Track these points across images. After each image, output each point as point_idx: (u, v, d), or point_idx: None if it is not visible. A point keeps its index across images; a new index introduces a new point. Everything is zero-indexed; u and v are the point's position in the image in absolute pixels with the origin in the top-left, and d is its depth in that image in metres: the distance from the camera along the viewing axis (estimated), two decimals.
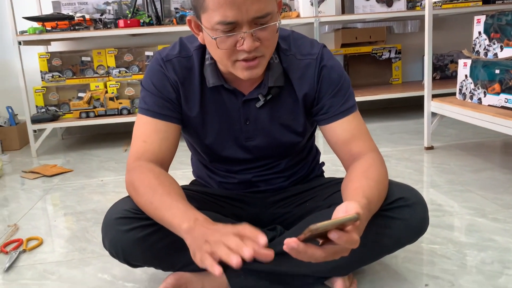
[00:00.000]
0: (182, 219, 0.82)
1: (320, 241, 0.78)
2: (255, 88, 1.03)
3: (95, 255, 1.35)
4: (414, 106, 3.30)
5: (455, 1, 2.87)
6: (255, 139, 1.07)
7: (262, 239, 0.72)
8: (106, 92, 2.87)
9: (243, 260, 0.69)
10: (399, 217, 0.96)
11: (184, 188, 1.16)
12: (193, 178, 1.29)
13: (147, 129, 1.01)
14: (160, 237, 0.96)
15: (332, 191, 1.09)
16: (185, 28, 2.69)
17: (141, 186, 0.93)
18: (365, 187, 0.88)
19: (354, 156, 1.00)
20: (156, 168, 0.97)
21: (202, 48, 1.02)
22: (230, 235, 0.74)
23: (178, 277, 1.00)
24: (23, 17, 2.71)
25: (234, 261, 0.70)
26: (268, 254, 0.71)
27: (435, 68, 3.48)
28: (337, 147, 1.03)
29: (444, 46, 3.47)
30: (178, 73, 1.01)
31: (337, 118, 1.02)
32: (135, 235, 0.95)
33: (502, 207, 1.51)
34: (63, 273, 1.26)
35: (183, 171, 2.16)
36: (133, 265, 1.03)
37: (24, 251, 1.41)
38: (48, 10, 3.07)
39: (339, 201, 0.89)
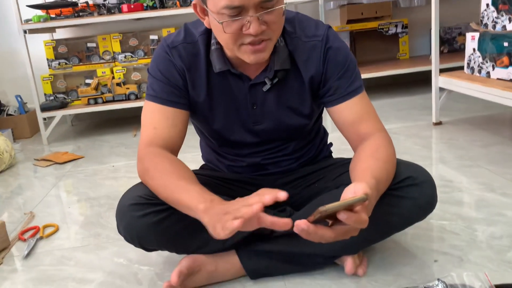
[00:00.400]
0: (199, 200, 0.84)
1: (330, 222, 0.80)
2: (261, 72, 1.03)
3: (110, 240, 1.38)
4: (422, 81, 3.27)
5: None
6: (262, 123, 1.08)
7: (282, 193, 0.76)
8: (113, 77, 2.88)
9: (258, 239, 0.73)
10: (407, 196, 0.97)
11: (194, 172, 1.18)
12: (203, 163, 1.31)
13: (156, 116, 1.02)
14: (174, 222, 0.98)
15: (341, 172, 1.10)
16: (189, 10, 2.67)
17: (156, 172, 0.95)
18: (373, 167, 0.89)
19: (362, 136, 1.01)
20: (168, 154, 0.99)
21: (208, 33, 1.02)
22: (249, 198, 0.78)
23: (192, 259, 1.03)
24: (27, 5, 2.72)
25: (255, 207, 0.74)
26: (286, 223, 0.76)
27: (443, 41, 3.43)
28: (345, 128, 1.04)
29: (452, 19, 3.41)
30: (184, 59, 1.02)
31: (344, 100, 1.02)
32: (149, 220, 0.97)
33: (511, 181, 1.51)
34: (80, 259, 1.29)
35: (192, 154, 2.17)
36: (148, 249, 1.06)
37: (41, 238, 1.45)
38: None
39: (348, 181, 0.90)
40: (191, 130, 1.14)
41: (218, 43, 1.00)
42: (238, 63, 1.01)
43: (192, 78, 1.03)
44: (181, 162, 0.99)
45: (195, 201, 0.85)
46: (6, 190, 2.01)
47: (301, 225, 0.74)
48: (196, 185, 0.90)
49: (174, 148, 1.02)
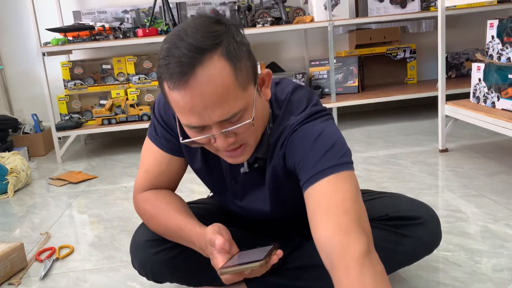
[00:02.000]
0: (194, 240, 0.93)
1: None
2: None
3: (123, 263, 1.43)
4: (429, 105, 3.31)
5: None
6: (241, 200, 1.05)
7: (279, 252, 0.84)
8: (127, 99, 2.97)
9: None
10: (412, 235, 1.00)
11: (204, 202, 1.23)
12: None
13: (151, 159, 1.03)
14: (186, 258, 1.03)
15: None
16: None
17: (146, 218, 1.02)
18: None
19: (321, 246, 0.76)
20: (152, 195, 1.02)
21: None
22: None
23: None
24: (46, 29, 2.82)
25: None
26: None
27: (451, 66, 3.49)
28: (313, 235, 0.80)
29: (460, 44, 3.47)
30: None
31: (306, 186, 0.82)
32: (163, 257, 1.03)
33: None
34: (94, 281, 1.34)
35: None
36: (161, 282, 1.11)
37: (57, 259, 1.51)
38: (69, 19, 3.18)
39: None
40: None
41: None
42: None
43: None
44: (168, 195, 1.02)
45: (193, 242, 0.93)
46: (22, 209, 2.08)
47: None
48: (187, 222, 0.95)
49: (167, 189, 1.06)
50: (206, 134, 0.80)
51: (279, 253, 0.82)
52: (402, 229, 0.99)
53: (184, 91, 0.75)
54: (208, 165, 1.02)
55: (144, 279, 1.29)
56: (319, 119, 0.89)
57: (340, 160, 0.82)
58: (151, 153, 1.04)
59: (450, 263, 1.26)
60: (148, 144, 1.06)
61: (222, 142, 0.80)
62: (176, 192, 1.10)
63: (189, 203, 1.16)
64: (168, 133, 1.01)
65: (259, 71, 0.85)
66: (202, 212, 1.14)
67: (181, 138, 0.85)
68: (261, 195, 1.00)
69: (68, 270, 1.43)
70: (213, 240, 0.83)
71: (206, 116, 0.77)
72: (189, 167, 1.09)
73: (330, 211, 0.77)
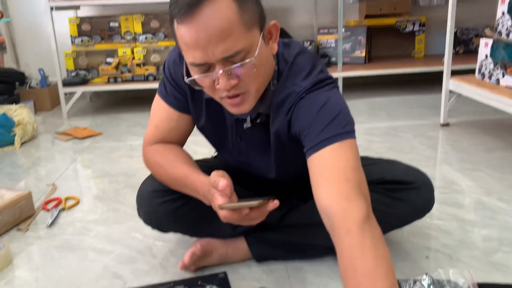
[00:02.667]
0: (197, 189, 0.96)
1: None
2: None
3: (127, 216, 1.49)
4: (435, 80, 3.31)
5: None
6: (246, 155, 1.08)
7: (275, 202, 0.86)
8: (133, 58, 2.97)
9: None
10: (406, 199, 1.05)
11: (207, 161, 1.27)
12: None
13: (161, 115, 1.07)
14: (190, 209, 1.08)
15: None
16: None
17: (154, 167, 1.06)
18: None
19: (324, 210, 0.81)
20: (161, 147, 1.06)
21: None
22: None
23: (206, 242, 1.13)
24: None
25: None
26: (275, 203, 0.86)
27: (459, 42, 3.47)
28: (314, 195, 0.85)
29: (470, 20, 3.43)
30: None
31: (310, 153, 0.85)
32: (167, 207, 1.07)
33: (508, 187, 1.58)
34: (99, 231, 1.40)
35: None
36: (164, 231, 1.16)
37: (63, 209, 1.56)
38: None
39: None
40: None
41: None
42: None
43: (193, 91, 1.01)
44: (176, 149, 1.06)
45: (197, 190, 0.96)
46: (28, 161, 2.13)
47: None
48: (192, 171, 0.99)
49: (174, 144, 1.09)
50: (210, 73, 0.83)
51: (276, 202, 0.85)
52: (396, 193, 1.04)
53: (190, 25, 0.78)
54: (213, 122, 1.05)
55: (147, 231, 1.35)
56: (325, 87, 0.91)
57: (343, 129, 0.85)
58: (161, 110, 1.07)
59: (442, 231, 1.31)
60: (158, 101, 1.09)
61: (224, 83, 0.82)
62: None
63: None
64: (177, 91, 1.04)
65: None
66: (205, 169, 1.17)
67: (186, 78, 0.88)
68: (265, 153, 1.03)
69: (74, 220, 1.49)
70: (217, 182, 0.85)
71: (210, 51, 0.79)
72: (195, 129, 1.13)
73: (333, 178, 0.81)
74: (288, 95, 0.92)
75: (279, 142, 0.98)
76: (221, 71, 0.81)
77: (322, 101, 0.88)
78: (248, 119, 0.99)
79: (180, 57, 1.00)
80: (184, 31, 0.80)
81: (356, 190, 0.80)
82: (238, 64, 0.81)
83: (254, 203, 0.81)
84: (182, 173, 0.99)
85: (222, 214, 0.87)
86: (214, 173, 0.89)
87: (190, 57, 0.82)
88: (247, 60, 0.82)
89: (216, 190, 0.88)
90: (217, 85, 0.84)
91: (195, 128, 1.12)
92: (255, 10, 0.83)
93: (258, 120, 0.99)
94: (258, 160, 1.07)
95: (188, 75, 0.89)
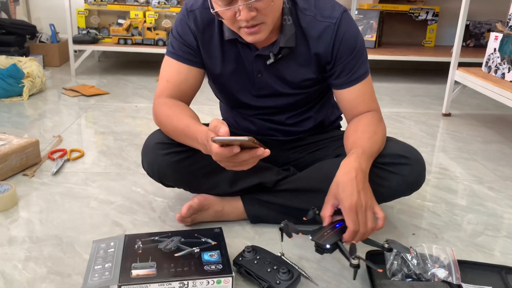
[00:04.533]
0: (197, 136, 0.98)
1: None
2: (268, 45, 1.11)
3: (130, 172, 1.54)
4: (442, 71, 3.33)
5: None
6: (266, 90, 1.17)
7: (266, 152, 0.90)
8: (145, 21, 2.98)
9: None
10: (398, 172, 1.10)
11: None
12: (219, 114, 1.43)
13: (171, 70, 1.14)
14: (191, 162, 1.13)
15: (341, 144, 1.22)
16: None
17: (162, 118, 1.11)
18: (358, 139, 1.05)
19: (355, 116, 1.14)
20: (171, 101, 1.12)
21: None
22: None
23: (203, 198, 1.18)
24: None
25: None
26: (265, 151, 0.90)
27: (471, 35, 3.46)
28: (343, 108, 1.17)
29: (484, 14, 3.42)
30: (198, 23, 1.11)
31: (347, 86, 1.12)
32: (170, 158, 1.12)
33: (500, 177, 1.63)
34: (102, 183, 1.45)
35: (210, 107, 2.31)
36: (166, 184, 1.21)
37: (68, 160, 1.61)
38: None
39: (345, 153, 1.07)
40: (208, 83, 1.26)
41: None
42: None
43: (205, 41, 1.12)
44: (183, 105, 1.12)
45: (197, 138, 0.98)
46: (35, 112, 2.17)
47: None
48: (194, 122, 1.02)
49: (184, 100, 1.15)
50: (233, 5, 0.94)
51: (267, 150, 0.90)
52: (390, 167, 1.08)
53: None
54: (231, 65, 1.14)
55: (148, 185, 1.41)
56: (347, 15, 1.10)
57: (367, 67, 1.14)
58: (170, 66, 1.14)
59: (431, 212, 1.36)
60: (166, 60, 1.15)
61: (245, 14, 0.95)
62: None
63: None
64: (185, 46, 1.12)
65: None
66: None
67: (212, 10, 0.98)
68: (284, 83, 1.16)
69: (78, 170, 1.54)
70: (218, 128, 0.89)
71: None
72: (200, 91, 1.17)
73: (364, 103, 1.14)
74: (326, 28, 1.08)
75: (316, 63, 1.13)
76: (243, 4, 0.93)
77: (356, 40, 1.10)
78: (271, 55, 1.10)
79: (188, 12, 1.11)
80: None
81: (378, 105, 1.17)
82: None
83: (244, 138, 0.85)
84: (185, 124, 1.04)
85: (214, 149, 0.88)
86: (214, 119, 0.92)
87: None
88: None
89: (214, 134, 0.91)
90: (238, 16, 0.96)
91: (199, 99, 1.16)
92: None
93: (280, 55, 1.10)
94: (277, 90, 1.17)
95: (213, 8, 1.00)
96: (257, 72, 1.14)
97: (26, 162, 1.51)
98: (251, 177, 1.19)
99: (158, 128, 1.17)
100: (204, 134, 0.95)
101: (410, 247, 1.03)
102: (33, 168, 1.52)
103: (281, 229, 0.97)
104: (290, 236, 0.97)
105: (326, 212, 0.97)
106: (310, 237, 0.95)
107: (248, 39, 1.01)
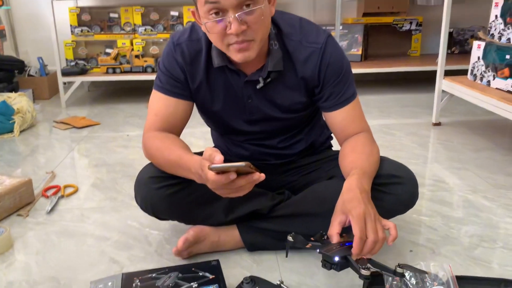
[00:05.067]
0: (190, 166, 0.99)
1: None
2: (256, 70, 1.12)
3: (124, 205, 1.54)
4: (429, 79, 3.36)
5: None
6: (257, 114, 1.18)
7: (262, 176, 0.91)
8: (132, 49, 3.00)
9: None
10: (391, 192, 1.11)
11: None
12: (210, 138, 1.44)
13: (159, 104, 1.15)
14: (185, 195, 1.13)
15: (334, 165, 1.24)
16: None
17: (152, 151, 1.12)
18: (357, 159, 1.07)
19: (348, 136, 1.16)
20: (160, 134, 1.13)
21: None
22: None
23: (199, 229, 1.18)
24: None
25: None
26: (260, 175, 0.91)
27: (455, 42, 3.52)
28: (334, 130, 1.18)
29: (466, 20, 3.48)
30: (186, 56, 1.12)
31: (336, 108, 1.14)
32: (163, 192, 1.12)
33: (493, 186, 1.64)
34: (97, 218, 1.45)
35: (201, 130, 2.31)
36: (160, 218, 1.21)
37: (62, 196, 1.61)
38: None
39: (340, 173, 1.10)
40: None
41: None
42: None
43: (193, 71, 1.13)
44: (173, 136, 1.13)
45: (190, 168, 0.99)
46: (27, 148, 2.17)
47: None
48: (187, 153, 1.03)
49: (173, 132, 1.16)
50: (224, 17, 0.96)
51: (262, 175, 0.91)
52: (383, 187, 1.09)
53: None
54: (212, 89, 1.16)
55: (143, 219, 1.41)
56: (332, 39, 1.13)
57: (355, 89, 1.16)
58: (158, 100, 1.15)
59: (427, 227, 1.37)
60: (154, 94, 1.17)
61: (236, 26, 0.96)
62: None
63: None
64: (172, 79, 1.13)
65: None
66: None
67: (204, 22, 1.00)
68: (274, 106, 1.17)
69: (73, 207, 1.54)
70: (213, 156, 0.89)
71: None
72: (191, 119, 1.18)
73: (355, 124, 1.16)
74: (312, 53, 1.10)
75: (304, 87, 1.15)
76: (234, 16, 0.95)
77: (342, 63, 1.12)
78: (261, 80, 1.12)
79: (175, 46, 1.12)
80: None
81: (368, 126, 1.19)
82: (249, 9, 0.96)
83: (241, 163, 0.86)
84: (177, 155, 1.04)
85: (211, 177, 0.89)
86: (208, 148, 0.93)
87: None
88: (258, 7, 0.97)
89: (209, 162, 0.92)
90: (228, 30, 0.97)
91: (190, 122, 1.18)
92: None
93: (269, 79, 1.12)
94: (266, 112, 1.18)
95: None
96: (247, 97, 1.16)
97: (20, 202, 1.50)
98: (246, 204, 1.19)
99: (150, 162, 1.18)
100: (198, 163, 0.96)
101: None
102: (27, 207, 1.51)
103: (287, 244, 0.97)
104: (288, 253, 0.98)
105: (334, 230, 0.95)
106: (318, 250, 0.95)
107: (238, 56, 1.02)
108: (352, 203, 0.95)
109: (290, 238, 0.99)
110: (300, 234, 1.05)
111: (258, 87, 1.13)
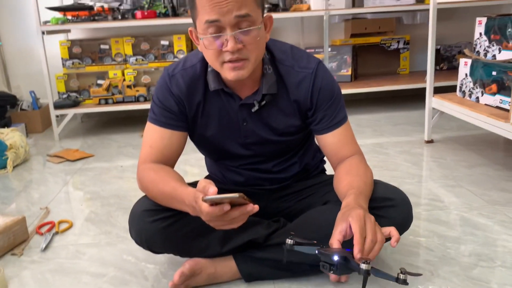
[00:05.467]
0: (184, 198, 0.99)
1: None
2: (251, 94, 1.15)
3: (119, 239, 1.53)
4: (419, 96, 3.38)
5: None
6: (252, 137, 1.20)
7: (255, 207, 0.92)
8: (124, 80, 3.02)
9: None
10: (385, 215, 1.11)
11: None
12: (205, 166, 1.44)
13: (153, 136, 1.17)
14: (179, 227, 1.13)
15: (329, 190, 1.24)
16: None
17: (147, 183, 1.12)
18: (352, 181, 1.09)
19: (341, 159, 1.18)
20: (155, 166, 1.14)
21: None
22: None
23: (194, 262, 1.17)
24: (46, 7, 2.85)
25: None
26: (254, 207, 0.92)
27: (443, 58, 3.56)
28: (327, 152, 1.21)
29: (453, 37, 3.54)
30: (181, 85, 1.15)
31: (328, 131, 1.17)
32: (157, 225, 1.12)
33: (488, 203, 1.65)
34: (92, 254, 1.44)
35: (196, 158, 2.31)
36: (155, 252, 1.20)
37: (57, 233, 1.59)
38: None
39: (334, 198, 1.13)
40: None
41: None
42: (231, 84, 1.14)
43: (190, 98, 1.16)
44: (168, 168, 1.14)
45: (184, 200, 1.00)
46: (21, 184, 2.15)
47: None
48: (181, 185, 1.04)
49: (168, 164, 1.17)
50: (221, 34, 0.99)
51: (256, 206, 0.92)
52: (377, 210, 1.09)
53: None
54: (208, 113, 1.18)
55: (139, 253, 1.39)
56: (323, 65, 1.16)
57: (346, 113, 1.20)
58: (153, 132, 1.16)
59: (424, 247, 1.36)
60: (149, 127, 1.18)
61: (232, 44, 0.99)
62: None
63: None
64: (166, 111, 1.15)
65: None
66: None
67: (201, 37, 1.03)
68: (268, 129, 1.19)
69: (67, 243, 1.52)
70: (207, 188, 0.90)
71: (225, 8, 0.97)
72: (186, 148, 1.19)
73: (347, 146, 1.19)
74: (304, 77, 1.14)
75: (297, 110, 1.18)
76: (231, 34, 0.99)
77: (333, 88, 1.16)
78: (256, 103, 1.14)
79: (170, 77, 1.14)
80: None
81: (359, 149, 1.21)
82: (246, 29, 1.00)
83: (235, 195, 0.86)
84: (171, 187, 1.05)
85: (205, 209, 0.89)
86: (202, 180, 0.94)
87: (206, 15, 0.98)
88: (255, 27, 1.01)
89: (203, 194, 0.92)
90: (225, 47, 1.00)
91: (185, 150, 1.20)
92: None
93: (264, 102, 1.15)
94: (263, 137, 1.20)
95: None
96: (243, 120, 1.18)
97: (14, 241, 1.49)
98: (242, 235, 1.18)
99: (144, 194, 1.18)
100: (192, 195, 0.96)
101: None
102: (21, 246, 1.50)
103: (285, 247, 0.98)
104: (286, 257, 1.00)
105: (335, 238, 0.95)
106: (316, 251, 0.95)
107: (231, 74, 1.04)
108: (352, 210, 0.97)
109: (289, 241, 0.98)
110: (297, 263, 1.05)
111: (253, 110, 1.16)
